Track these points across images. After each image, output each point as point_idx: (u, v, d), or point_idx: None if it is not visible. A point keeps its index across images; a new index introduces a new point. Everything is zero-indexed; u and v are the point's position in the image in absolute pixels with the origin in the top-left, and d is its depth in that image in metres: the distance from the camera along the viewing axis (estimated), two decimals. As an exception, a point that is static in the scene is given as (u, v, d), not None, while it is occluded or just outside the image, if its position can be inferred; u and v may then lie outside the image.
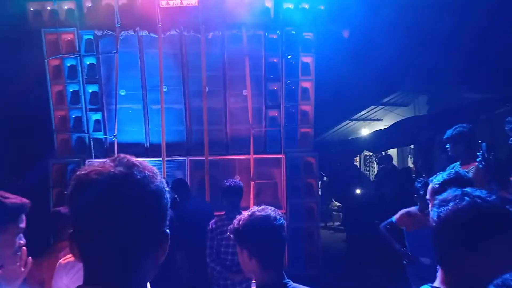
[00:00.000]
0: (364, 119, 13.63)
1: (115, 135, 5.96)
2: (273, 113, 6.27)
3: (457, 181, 2.38)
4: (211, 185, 5.86)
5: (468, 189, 1.43)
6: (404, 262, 3.77)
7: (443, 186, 2.32)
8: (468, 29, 8.30)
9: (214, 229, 4.03)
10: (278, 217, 1.92)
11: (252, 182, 6.02)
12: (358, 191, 9.04)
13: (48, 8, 5.77)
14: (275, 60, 6.20)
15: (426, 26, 8.69)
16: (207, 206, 5.18)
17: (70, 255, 2.40)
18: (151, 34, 5.92)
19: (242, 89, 6.12)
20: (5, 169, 6.44)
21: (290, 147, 6.25)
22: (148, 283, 1.02)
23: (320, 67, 6.32)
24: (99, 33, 5.91)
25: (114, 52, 5.88)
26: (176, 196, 5.09)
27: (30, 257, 1.85)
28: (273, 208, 1.97)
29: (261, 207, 1.98)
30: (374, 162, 14.47)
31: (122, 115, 6.05)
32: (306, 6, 6.00)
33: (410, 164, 13.83)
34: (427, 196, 2.55)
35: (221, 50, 6.10)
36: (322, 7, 5.99)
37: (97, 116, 6.09)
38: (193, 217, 4.74)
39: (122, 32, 5.86)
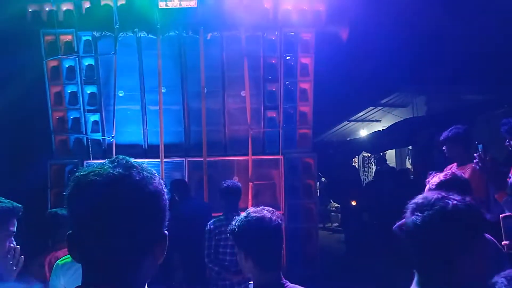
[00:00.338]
0: (363, 120, 13.63)
1: (113, 136, 5.96)
2: (271, 114, 6.28)
3: (453, 182, 2.39)
4: (209, 186, 5.86)
5: (443, 194, 1.44)
6: None
7: (440, 187, 2.33)
8: (466, 30, 8.32)
9: (212, 230, 4.04)
10: (274, 218, 1.92)
11: (250, 183, 6.02)
12: (356, 192, 9.05)
13: (47, 9, 5.77)
14: (273, 61, 6.21)
15: (425, 27, 8.71)
16: (205, 207, 5.19)
17: (68, 256, 2.40)
18: (150, 35, 5.93)
19: (241, 90, 6.13)
20: (3, 170, 6.44)
21: (289, 148, 6.26)
22: (146, 284, 1.02)
23: (319, 68, 6.33)
24: (97, 34, 5.92)
25: (113, 53, 5.88)
26: (175, 195, 5.10)
27: (22, 257, 1.86)
28: (270, 209, 1.98)
29: (259, 208, 1.98)
30: (373, 163, 14.48)
31: (120, 116, 6.05)
32: (305, 7, 6.02)
33: (409, 165, 13.84)
34: None
35: (219, 51, 6.11)
36: (321, 8, 6.00)
37: (95, 117, 6.09)
38: (191, 218, 4.75)
39: (121, 33, 5.87)
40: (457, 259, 1.33)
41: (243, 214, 1.98)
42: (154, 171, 1.01)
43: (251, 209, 1.98)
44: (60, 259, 2.46)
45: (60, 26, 5.79)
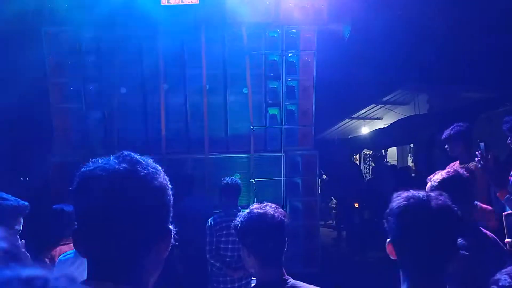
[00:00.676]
0: (364, 118, 13.62)
1: (115, 133, 5.96)
2: (273, 111, 6.28)
3: (456, 179, 2.38)
4: (210, 183, 5.87)
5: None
6: None
7: (442, 185, 2.33)
8: (468, 28, 8.29)
9: (213, 226, 4.06)
10: (276, 214, 1.93)
11: (252, 180, 6.03)
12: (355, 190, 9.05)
13: (49, 5, 5.77)
14: (275, 59, 6.20)
15: (427, 24, 8.69)
16: (206, 204, 5.20)
17: (70, 252, 2.41)
18: (152, 32, 5.92)
19: (243, 87, 6.12)
20: (5, 166, 6.45)
21: (290, 145, 6.26)
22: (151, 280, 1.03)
23: (321, 66, 6.32)
24: (99, 31, 5.91)
25: (115, 50, 5.88)
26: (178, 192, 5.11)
27: (27, 254, 1.86)
28: (274, 206, 1.98)
29: (262, 204, 1.99)
30: (370, 161, 14.48)
31: (122, 113, 6.05)
32: (307, 5, 6.00)
33: (410, 163, 13.84)
34: None
35: (221, 48, 6.10)
36: (323, 6, 5.99)
37: (97, 113, 6.09)
38: (192, 214, 4.76)
39: (123, 30, 5.86)
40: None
41: (246, 211, 1.99)
42: (159, 167, 1.02)
43: (254, 206, 1.99)
44: (62, 255, 2.47)
45: (61, 23, 5.78)
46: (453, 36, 8.73)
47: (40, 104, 6.12)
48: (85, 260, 0.98)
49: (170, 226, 1.02)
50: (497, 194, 3.53)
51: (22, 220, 1.88)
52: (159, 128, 6.00)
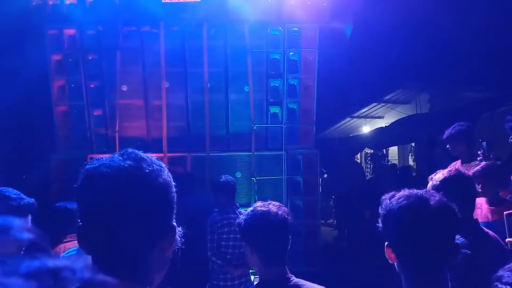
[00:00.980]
0: (366, 117, 13.63)
1: (117, 131, 5.96)
2: (274, 109, 6.27)
3: (457, 179, 2.38)
4: (212, 181, 5.86)
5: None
6: None
7: (444, 184, 2.33)
8: (470, 27, 8.28)
9: (214, 224, 4.09)
10: (280, 212, 1.93)
11: (253, 179, 6.03)
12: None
13: (51, 3, 5.77)
14: (277, 57, 6.20)
15: (429, 23, 8.67)
16: (207, 202, 5.20)
17: (73, 249, 2.41)
18: (153, 30, 5.92)
19: (244, 85, 6.12)
20: (6, 164, 6.46)
21: (291, 144, 6.25)
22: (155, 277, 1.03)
23: (322, 64, 6.31)
24: (101, 29, 5.92)
25: (116, 48, 5.88)
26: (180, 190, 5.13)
27: None
28: (277, 204, 1.98)
29: (266, 202, 1.99)
30: (370, 160, 14.48)
31: (123, 111, 6.05)
32: (309, 3, 5.99)
33: (411, 162, 13.84)
34: None
35: (223, 46, 6.10)
36: (325, 4, 5.98)
37: (98, 111, 6.09)
38: (193, 213, 4.77)
39: (124, 28, 5.86)
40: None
41: (250, 209, 1.99)
42: (163, 164, 1.02)
43: (258, 204, 1.99)
44: (65, 252, 2.47)
45: (63, 20, 5.78)
46: (455, 35, 8.72)
47: (42, 101, 6.13)
48: (88, 257, 0.98)
49: (174, 224, 1.02)
50: (500, 193, 3.53)
51: (30, 218, 1.89)
52: (161, 126, 6.00)
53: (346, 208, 9.25)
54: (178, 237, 1.05)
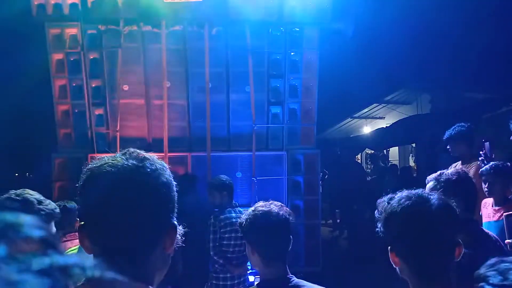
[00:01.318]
0: (366, 117, 13.62)
1: (118, 130, 5.97)
2: (275, 109, 6.28)
3: (458, 179, 2.38)
4: (210, 181, 5.86)
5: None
6: None
7: (446, 185, 2.33)
8: (471, 28, 8.27)
9: (217, 223, 4.11)
10: (281, 212, 1.93)
11: (253, 179, 6.03)
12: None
13: (52, 2, 5.77)
14: (278, 57, 6.20)
15: (430, 24, 8.67)
16: (207, 202, 5.21)
17: (73, 249, 2.41)
18: (155, 30, 5.92)
19: (245, 86, 6.12)
20: (8, 162, 6.47)
21: (292, 144, 6.26)
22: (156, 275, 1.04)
23: (324, 64, 6.31)
24: (102, 28, 5.92)
25: (118, 47, 5.88)
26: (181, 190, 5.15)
27: None
28: (279, 204, 1.99)
29: (267, 202, 1.99)
30: (380, 160, 14.46)
31: (124, 110, 6.06)
32: (310, 3, 5.99)
33: (412, 163, 13.83)
34: None
35: (224, 46, 6.10)
36: (326, 5, 5.98)
37: (99, 110, 6.09)
38: (193, 212, 4.78)
39: (126, 27, 5.86)
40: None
41: (251, 208, 1.99)
42: (165, 164, 1.04)
43: (259, 203, 1.99)
44: (66, 251, 2.47)
45: (65, 19, 5.79)
46: (456, 36, 8.71)
47: (43, 101, 6.14)
48: (90, 257, 0.98)
49: (175, 222, 1.03)
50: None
51: (53, 224, 1.89)
52: (162, 126, 6.00)
53: (347, 208, 9.26)
54: (179, 236, 1.06)
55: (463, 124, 4.39)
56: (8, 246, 0.50)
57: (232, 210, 4.23)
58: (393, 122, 11.79)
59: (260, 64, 6.14)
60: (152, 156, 1.05)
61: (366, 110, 12.86)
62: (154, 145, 6.06)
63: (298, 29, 6.13)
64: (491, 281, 0.88)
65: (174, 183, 1.06)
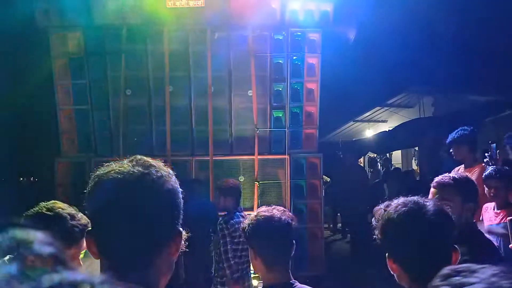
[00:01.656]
0: (369, 121, 13.60)
1: (121, 134, 5.98)
2: (278, 113, 6.28)
3: (461, 183, 2.37)
4: (215, 185, 5.87)
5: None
6: None
7: (450, 188, 2.32)
8: (474, 32, 8.27)
9: (229, 227, 4.08)
10: (283, 217, 1.93)
11: (256, 183, 6.03)
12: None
13: (56, 7, 5.80)
14: (280, 61, 6.21)
15: (433, 28, 8.67)
16: (211, 207, 5.20)
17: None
18: (157, 34, 5.95)
19: (247, 90, 6.13)
20: (11, 167, 6.49)
21: (295, 148, 6.26)
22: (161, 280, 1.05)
23: (326, 68, 6.32)
24: (105, 33, 5.95)
25: (120, 52, 5.91)
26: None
27: None
28: (282, 209, 1.99)
29: (270, 207, 2.00)
30: (378, 164, 14.43)
31: (127, 114, 6.07)
32: (312, 7, 6.01)
33: (415, 166, 13.80)
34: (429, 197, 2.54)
35: (226, 51, 6.12)
36: (328, 9, 6.00)
37: (103, 115, 6.12)
38: (197, 217, 4.77)
39: (129, 32, 5.89)
40: None
41: (254, 213, 2.00)
42: (171, 170, 1.05)
43: (262, 208, 1.99)
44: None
45: (68, 24, 5.82)
46: (459, 39, 8.71)
47: (46, 105, 6.16)
48: (95, 261, 0.99)
49: (180, 228, 1.04)
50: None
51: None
52: (164, 130, 6.01)
53: (350, 212, 9.23)
54: (183, 241, 1.07)
55: (466, 127, 4.38)
56: (20, 263, 0.51)
57: (240, 215, 4.21)
58: (396, 125, 11.78)
59: (263, 68, 6.16)
60: (158, 162, 1.06)
61: (368, 113, 12.84)
62: (157, 149, 6.07)
63: (300, 33, 6.14)
64: None
65: (180, 190, 1.07)
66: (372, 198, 8.29)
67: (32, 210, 1.85)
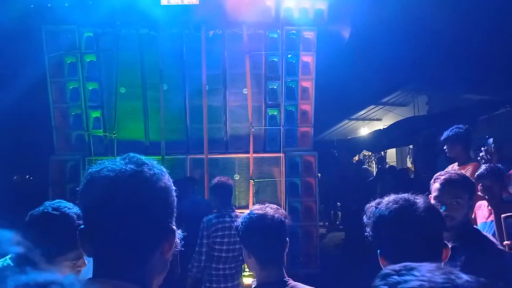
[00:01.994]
0: (364, 119, 13.66)
1: (115, 133, 5.97)
2: (272, 112, 6.28)
3: (459, 181, 2.38)
4: (210, 184, 5.86)
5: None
6: None
7: (449, 186, 2.34)
8: (469, 30, 8.31)
9: (209, 227, 4.03)
10: (277, 215, 1.93)
11: (251, 181, 6.03)
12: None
13: (49, 4, 5.77)
14: (275, 59, 6.21)
15: (427, 26, 8.70)
16: (205, 204, 5.19)
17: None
18: (152, 32, 5.93)
19: (242, 88, 6.13)
20: (5, 165, 6.45)
21: (290, 146, 6.26)
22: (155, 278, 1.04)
23: (320, 67, 6.32)
24: (99, 31, 5.92)
25: (115, 50, 5.88)
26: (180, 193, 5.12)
27: None
28: (274, 207, 1.98)
29: (263, 205, 1.99)
30: (373, 162, 14.50)
31: (122, 113, 6.05)
32: (307, 6, 6.01)
33: (409, 164, 13.86)
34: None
35: (221, 49, 6.11)
36: (323, 7, 6.00)
37: (96, 113, 6.09)
38: (191, 216, 4.76)
39: (123, 30, 5.87)
40: None
41: (247, 211, 1.99)
42: (164, 168, 1.05)
43: (255, 206, 1.99)
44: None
45: (62, 21, 5.79)
46: (453, 37, 8.75)
47: (40, 103, 6.12)
48: (89, 259, 0.99)
49: (174, 227, 1.04)
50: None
51: None
52: (159, 128, 6.00)
53: (344, 210, 9.26)
54: (177, 240, 1.06)
55: (460, 125, 4.41)
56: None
57: (227, 214, 4.11)
58: (390, 123, 11.82)
59: (257, 66, 6.15)
60: (152, 160, 1.06)
61: (363, 111, 12.89)
62: (152, 148, 6.06)
63: (295, 31, 6.14)
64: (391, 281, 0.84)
65: (174, 188, 1.07)
66: (366, 196, 8.32)
67: (37, 209, 1.83)
